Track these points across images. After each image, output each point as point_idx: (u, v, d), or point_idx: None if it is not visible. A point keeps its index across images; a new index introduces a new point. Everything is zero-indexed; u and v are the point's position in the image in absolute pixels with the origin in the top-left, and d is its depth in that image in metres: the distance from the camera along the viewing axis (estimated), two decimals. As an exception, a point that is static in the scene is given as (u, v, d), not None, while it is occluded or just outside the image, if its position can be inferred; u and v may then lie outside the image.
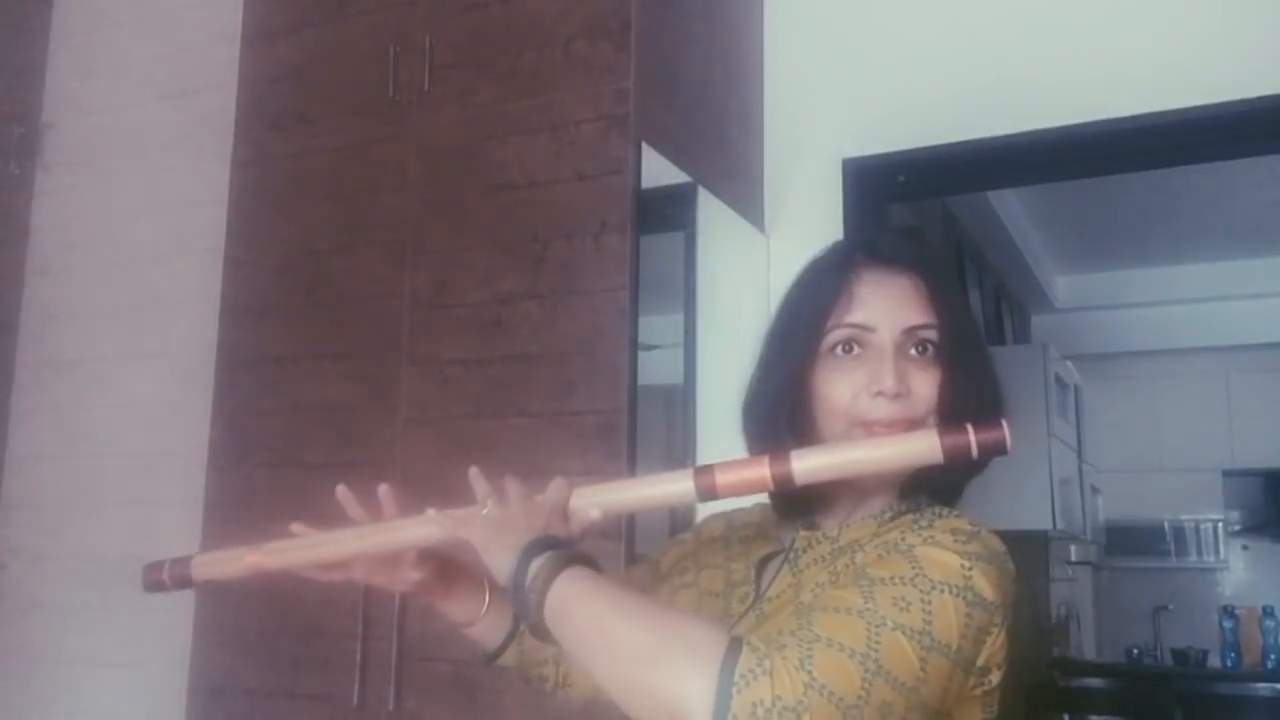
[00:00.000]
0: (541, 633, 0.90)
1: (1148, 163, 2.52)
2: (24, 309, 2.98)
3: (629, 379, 1.78)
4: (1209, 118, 2.09)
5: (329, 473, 2.04)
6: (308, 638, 1.97)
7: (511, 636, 1.17)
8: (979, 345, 1.06)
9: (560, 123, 1.92)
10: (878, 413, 0.99)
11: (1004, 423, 0.91)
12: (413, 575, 1.12)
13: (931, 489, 1.03)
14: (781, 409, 1.03)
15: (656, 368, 1.97)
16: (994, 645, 0.90)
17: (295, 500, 2.05)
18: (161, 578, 1.19)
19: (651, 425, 1.94)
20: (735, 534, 1.15)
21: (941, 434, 0.92)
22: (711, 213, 2.20)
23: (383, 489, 1.12)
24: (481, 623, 1.16)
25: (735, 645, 0.77)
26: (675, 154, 2.00)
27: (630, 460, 1.76)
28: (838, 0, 2.46)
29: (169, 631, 2.26)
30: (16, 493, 2.89)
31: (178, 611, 2.13)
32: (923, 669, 0.82)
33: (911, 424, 0.98)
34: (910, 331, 1.00)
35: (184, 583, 1.19)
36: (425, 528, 1.07)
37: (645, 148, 1.87)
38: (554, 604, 0.88)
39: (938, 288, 1.03)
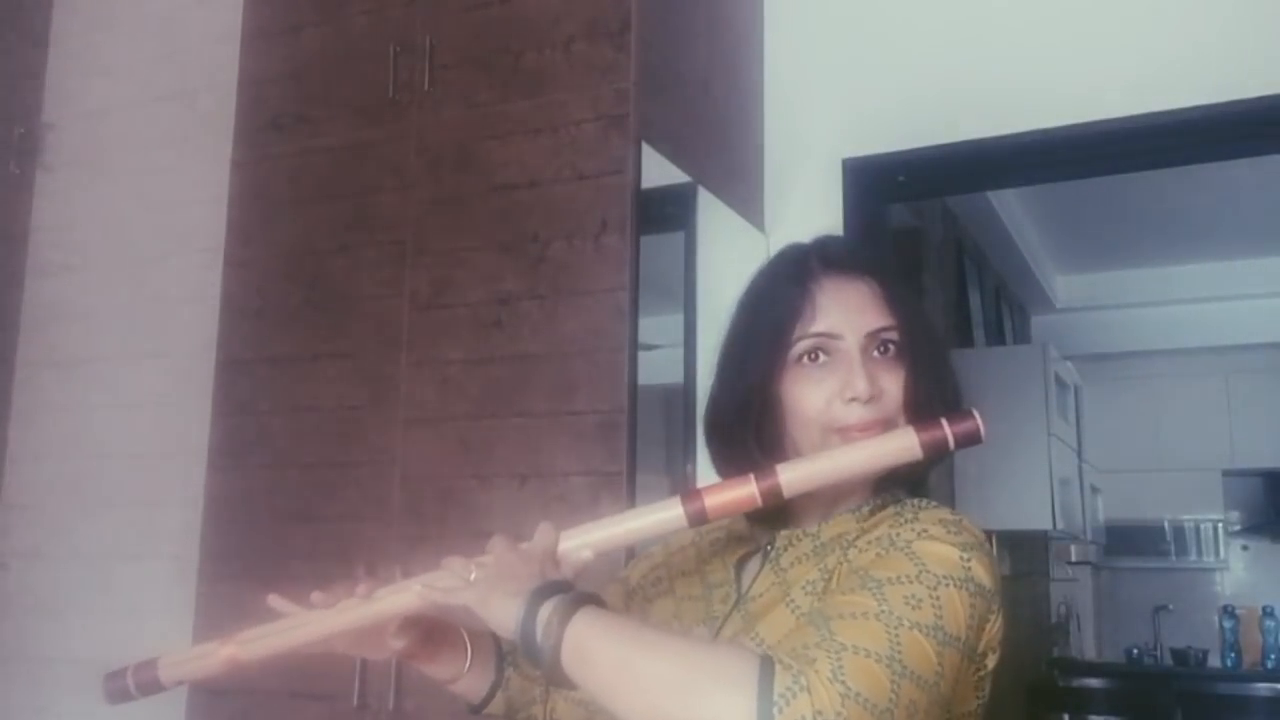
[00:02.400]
0: (558, 678, 0.89)
1: (1148, 163, 2.52)
2: (24, 309, 2.98)
3: (629, 379, 1.78)
4: (1209, 118, 2.09)
5: (329, 473, 2.06)
6: (308, 638, 1.97)
7: (497, 686, 1.16)
8: (937, 342, 1.09)
9: (560, 123, 1.92)
10: (852, 417, 1.00)
11: (975, 412, 0.94)
12: (396, 644, 1.09)
13: (903, 480, 1.06)
14: (749, 422, 1.04)
15: (656, 368, 1.97)
16: (991, 631, 0.92)
17: (295, 500, 2.06)
18: (125, 686, 1.07)
19: (651, 425, 1.94)
20: (704, 538, 1.15)
21: (918, 431, 0.94)
22: (711, 213, 2.20)
23: (361, 588, 1.05)
24: (466, 678, 1.15)
25: (767, 665, 0.77)
26: (675, 154, 2.00)
27: (630, 460, 1.76)
28: (837, 1, 2.46)
29: (169, 632, 2.26)
30: (16, 493, 2.89)
31: (178, 613, 2.13)
32: (940, 664, 0.83)
33: (885, 425, 1.00)
34: (874, 335, 1.03)
35: (152, 688, 1.08)
36: (408, 597, 1.03)
37: (645, 148, 1.87)
38: (571, 648, 0.87)
39: (894, 290, 1.06)
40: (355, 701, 1.89)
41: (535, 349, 1.88)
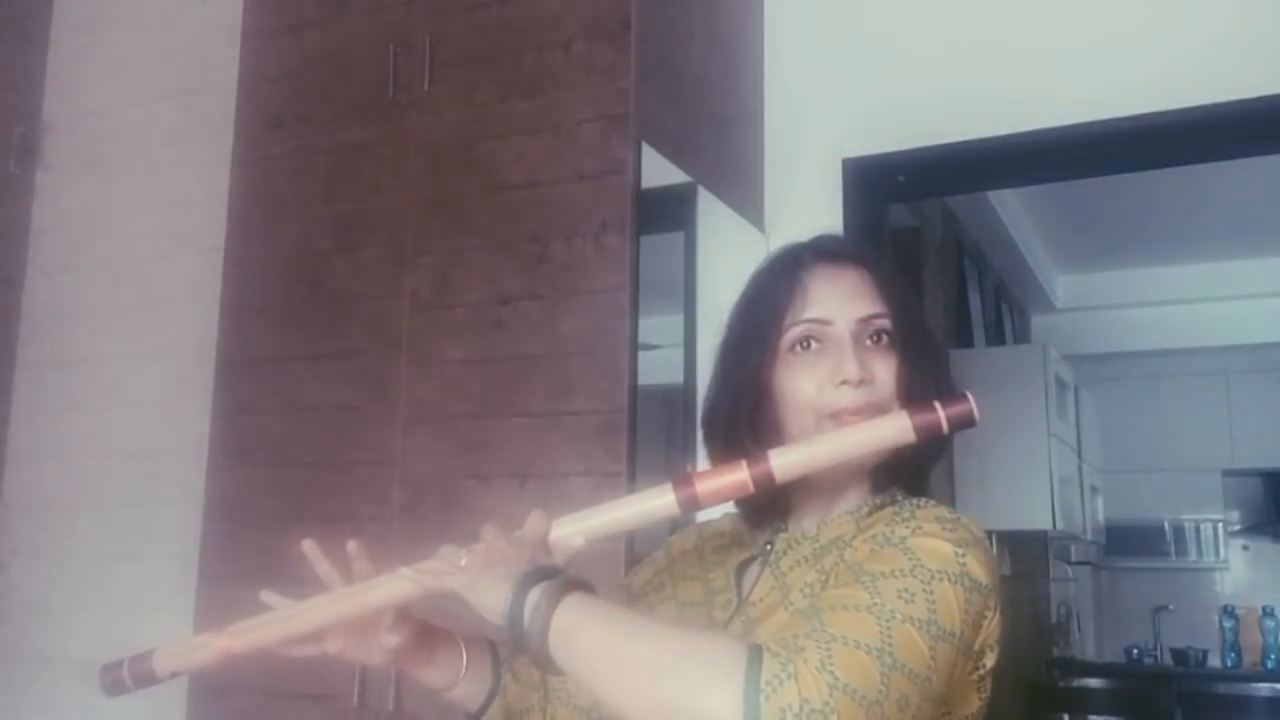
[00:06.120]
0: (545, 663, 0.88)
1: (1148, 163, 2.53)
2: (24, 309, 2.98)
3: (629, 379, 1.78)
4: (1209, 118, 2.09)
5: (329, 473, 2.06)
6: (308, 638, 1.97)
7: (494, 694, 1.14)
8: (928, 332, 1.09)
9: (560, 123, 1.92)
10: (844, 401, 1.00)
11: (969, 395, 0.93)
12: (390, 640, 1.07)
13: (902, 479, 1.05)
14: (742, 413, 1.04)
15: (656, 368, 1.97)
16: (989, 628, 0.92)
17: (295, 500, 2.06)
18: (121, 677, 1.09)
19: (651, 425, 1.94)
20: (707, 545, 1.15)
21: (911, 414, 0.94)
22: (711, 213, 2.20)
23: (351, 545, 1.07)
24: (462, 684, 1.14)
25: (755, 653, 0.77)
26: (675, 154, 2.00)
27: (630, 460, 1.76)
28: (837, 0, 2.46)
29: (169, 632, 2.26)
30: (16, 493, 2.89)
31: (178, 613, 2.13)
32: (933, 658, 0.83)
33: (878, 410, 1.00)
34: (865, 321, 1.03)
35: (147, 679, 1.09)
36: (400, 585, 1.02)
37: (645, 148, 1.87)
38: (559, 632, 0.86)
39: (885, 279, 1.06)
40: (355, 701, 1.89)
41: (535, 349, 1.88)
